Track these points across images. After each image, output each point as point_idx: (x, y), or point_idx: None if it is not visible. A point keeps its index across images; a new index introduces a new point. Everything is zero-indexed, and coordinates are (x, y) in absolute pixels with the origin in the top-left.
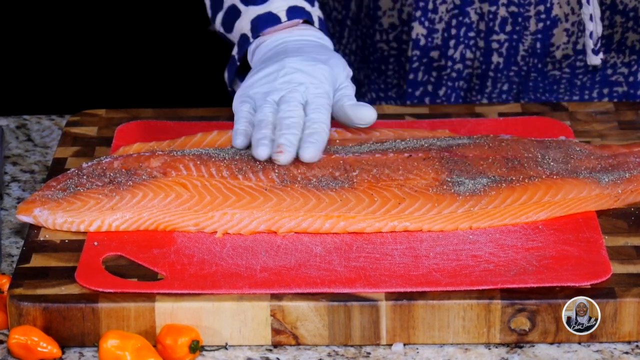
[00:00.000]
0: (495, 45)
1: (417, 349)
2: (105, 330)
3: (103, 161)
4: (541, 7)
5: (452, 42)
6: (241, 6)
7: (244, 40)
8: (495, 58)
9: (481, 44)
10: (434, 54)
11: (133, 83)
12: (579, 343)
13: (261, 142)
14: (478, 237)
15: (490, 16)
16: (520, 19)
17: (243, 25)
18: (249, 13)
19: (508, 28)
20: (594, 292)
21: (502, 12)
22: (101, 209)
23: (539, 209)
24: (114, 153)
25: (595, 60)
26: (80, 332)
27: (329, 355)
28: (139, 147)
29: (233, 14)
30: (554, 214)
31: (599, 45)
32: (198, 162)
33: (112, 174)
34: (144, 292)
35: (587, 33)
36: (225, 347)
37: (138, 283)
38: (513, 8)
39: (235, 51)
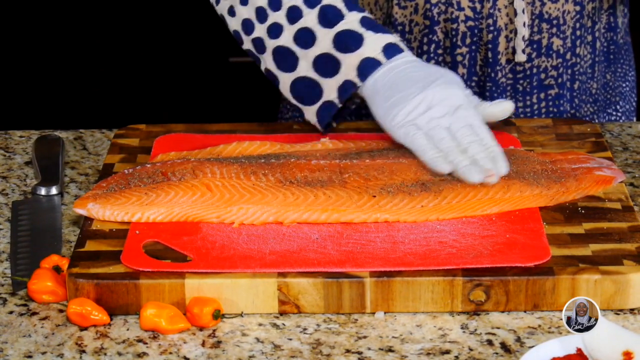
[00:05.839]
0: (459, 57)
1: (395, 316)
2: (145, 302)
3: (143, 166)
4: (490, 20)
5: (424, 57)
6: (337, 54)
7: (348, 86)
8: (460, 70)
9: (448, 58)
10: None
11: (168, 103)
12: (525, 311)
13: (472, 169)
14: (444, 227)
15: (453, 32)
16: (476, 31)
17: (342, 74)
18: (348, 61)
19: (467, 41)
20: (537, 270)
21: (462, 27)
22: (141, 204)
23: (492, 204)
24: (152, 160)
25: (522, 57)
26: (125, 303)
27: (324, 321)
28: (173, 155)
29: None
30: (504, 208)
31: (525, 45)
32: (219, 167)
33: (150, 176)
34: (176, 271)
35: (520, 37)
36: (241, 315)
37: (171, 264)
38: (470, 23)
39: (333, 97)
